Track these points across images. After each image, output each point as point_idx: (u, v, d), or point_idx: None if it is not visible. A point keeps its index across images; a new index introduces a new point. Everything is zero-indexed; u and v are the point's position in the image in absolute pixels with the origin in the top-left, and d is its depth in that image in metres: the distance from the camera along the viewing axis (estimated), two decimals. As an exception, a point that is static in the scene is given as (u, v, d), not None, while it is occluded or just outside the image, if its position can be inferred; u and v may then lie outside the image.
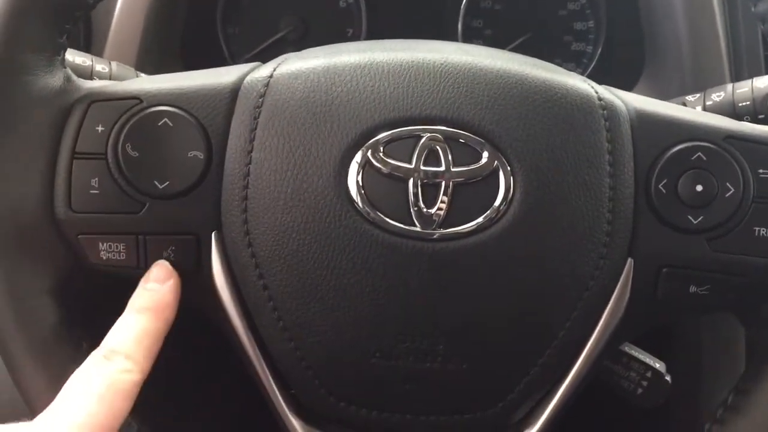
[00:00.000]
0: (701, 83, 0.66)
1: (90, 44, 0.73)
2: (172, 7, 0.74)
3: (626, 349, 0.52)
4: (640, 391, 0.51)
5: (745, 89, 0.55)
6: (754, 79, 0.56)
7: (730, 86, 0.56)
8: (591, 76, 0.80)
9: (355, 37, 0.82)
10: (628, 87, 0.77)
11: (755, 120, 0.55)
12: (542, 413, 0.45)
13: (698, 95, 0.58)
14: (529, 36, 0.82)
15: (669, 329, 0.64)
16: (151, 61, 0.71)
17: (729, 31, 0.70)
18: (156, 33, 0.72)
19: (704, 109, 0.57)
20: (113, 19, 0.70)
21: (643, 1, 0.73)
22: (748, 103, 0.55)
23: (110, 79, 0.55)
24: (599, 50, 0.82)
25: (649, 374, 0.51)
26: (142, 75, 0.58)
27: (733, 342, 0.54)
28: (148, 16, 0.71)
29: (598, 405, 0.54)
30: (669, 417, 0.59)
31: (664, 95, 0.70)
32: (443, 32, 0.83)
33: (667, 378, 0.51)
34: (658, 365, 0.52)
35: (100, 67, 0.55)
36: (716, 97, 0.56)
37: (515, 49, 0.81)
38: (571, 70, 0.81)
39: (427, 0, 0.83)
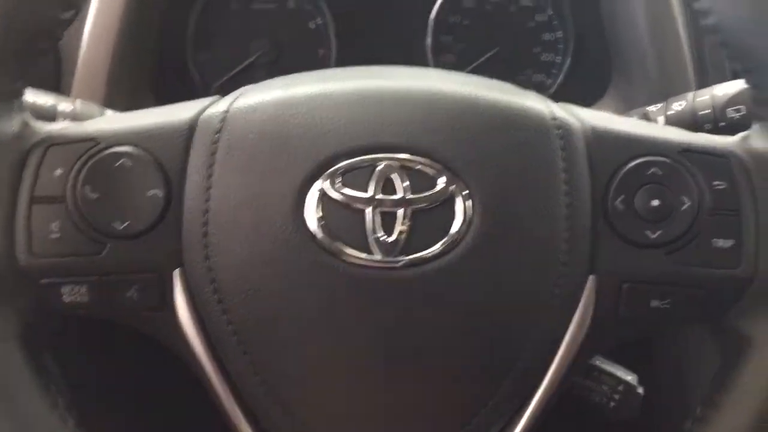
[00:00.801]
0: (667, 92, 0.66)
1: (59, 79, 0.73)
2: (140, 38, 0.74)
3: (597, 363, 0.52)
4: (612, 404, 0.52)
5: (706, 98, 0.55)
6: (714, 87, 0.56)
7: (690, 95, 0.57)
8: (561, 86, 0.82)
9: (326, 58, 0.83)
10: (598, 95, 0.78)
11: (716, 128, 0.55)
12: None
13: (660, 105, 0.58)
14: (498, 49, 0.82)
15: (648, 340, 0.64)
16: (121, 92, 0.72)
17: (693, 40, 0.71)
18: (125, 64, 0.72)
19: (666, 118, 0.57)
20: (80, 52, 0.70)
21: (606, 13, 0.74)
22: (708, 111, 0.55)
23: (74, 118, 0.55)
24: (568, 60, 0.82)
25: (620, 387, 0.51)
26: (108, 111, 0.58)
27: (711, 351, 0.54)
28: (115, 47, 0.71)
29: (574, 419, 0.54)
30: (648, 429, 0.59)
31: (632, 104, 0.70)
32: (413, 48, 0.83)
33: (639, 390, 0.52)
34: (630, 378, 0.52)
35: (63, 106, 0.55)
36: (677, 106, 0.57)
37: (485, 63, 0.82)
38: (541, 81, 0.84)
39: (396, 17, 0.84)
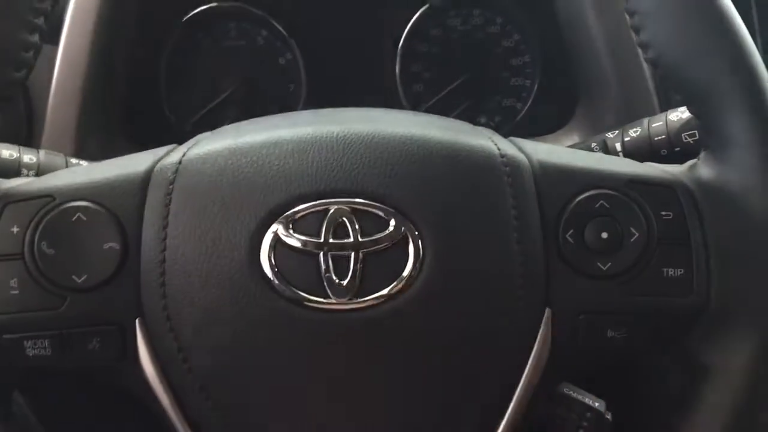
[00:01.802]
0: (632, 113, 0.67)
1: (32, 129, 0.74)
2: (109, 80, 0.75)
3: (566, 390, 0.52)
4: (581, 431, 0.52)
5: (660, 123, 0.56)
6: (668, 112, 0.57)
7: (646, 121, 0.57)
8: (531, 109, 0.83)
9: (297, 92, 0.84)
10: (567, 117, 0.79)
11: (672, 153, 0.56)
12: None
13: (617, 132, 0.59)
14: (468, 75, 0.83)
15: (618, 366, 0.64)
16: (93, 137, 0.72)
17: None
18: (95, 109, 0.73)
19: (623, 144, 0.58)
20: (49, 100, 0.71)
21: (568, 37, 0.75)
22: (663, 137, 0.56)
23: (38, 169, 0.56)
24: (537, 83, 0.83)
25: (589, 414, 0.52)
26: (73, 161, 0.59)
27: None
28: (84, 93, 0.71)
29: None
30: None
31: (600, 125, 0.71)
32: (382, 79, 0.84)
33: (608, 416, 0.52)
34: (597, 404, 0.52)
35: (27, 158, 0.56)
36: (633, 132, 0.57)
37: (455, 89, 0.83)
38: (512, 105, 0.84)
39: (364, 48, 0.85)
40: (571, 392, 0.53)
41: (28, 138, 0.73)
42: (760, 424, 0.45)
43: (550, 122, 0.79)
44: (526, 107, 0.83)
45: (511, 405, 0.45)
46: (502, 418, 0.45)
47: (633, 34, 0.46)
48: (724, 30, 0.43)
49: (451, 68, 0.84)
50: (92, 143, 0.72)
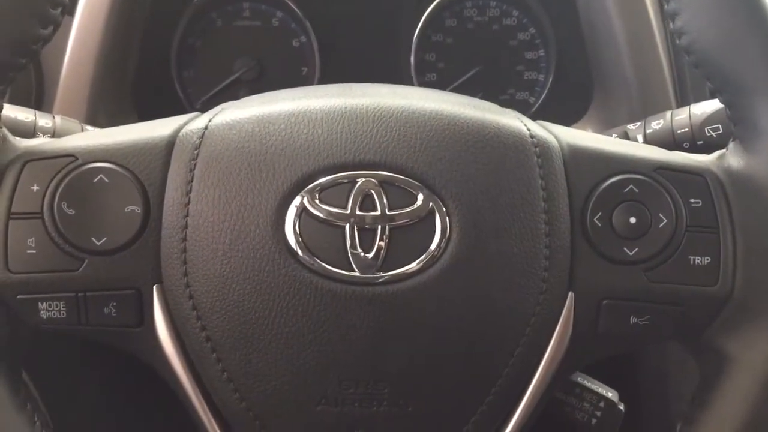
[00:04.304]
0: (648, 109, 0.67)
1: (42, 95, 0.73)
2: (123, 53, 0.74)
3: (579, 380, 0.52)
4: (594, 421, 0.51)
5: (683, 116, 0.56)
6: (692, 105, 0.57)
7: (669, 114, 0.57)
8: (544, 104, 0.83)
9: (310, 76, 0.83)
10: (580, 113, 0.79)
11: (694, 146, 0.56)
12: None
13: (639, 123, 0.59)
14: (481, 67, 0.83)
15: (630, 355, 0.64)
16: (103, 109, 0.72)
17: (672, 58, 0.72)
18: (107, 80, 0.72)
19: (645, 136, 0.58)
20: (63, 69, 0.70)
21: (587, 31, 0.75)
22: (686, 129, 0.56)
23: (54, 134, 0.55)
24: (551, 78, 0.83)
25: (602, 404, 0.51)
26: (88, 128, 0.58)
27: (693, 367, 0.54)
28: (97, 63, 0.71)
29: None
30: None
31: (614, 121, 0.71)
32: (396, 67, 0.84)
33: (621, 407, 0.51)
34: (611, 394, 0.52)
35: (43, 122, 0.55)
36: (656, 125, 0.57)
37: (468, 81, 0.83)
38: (525, 99, 0.84)
39: (380, 36, 0.84)
40: (584, 381, 0.53)
41: (38, 107, 0.72)
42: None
43: (564, 117, 0.79)
44: (540, 101, 0.83)
45: (530, 388, 0.44)
46: (520, 401, 0.44)
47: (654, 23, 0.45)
48: (759, 18, 0.43)
49: (466, 59, 0.84)
50: (102, 116, 0.71)
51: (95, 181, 0.43)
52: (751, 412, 0.44)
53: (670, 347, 0.62)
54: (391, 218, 0.42)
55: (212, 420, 0.44)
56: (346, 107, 0.44)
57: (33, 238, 0.43)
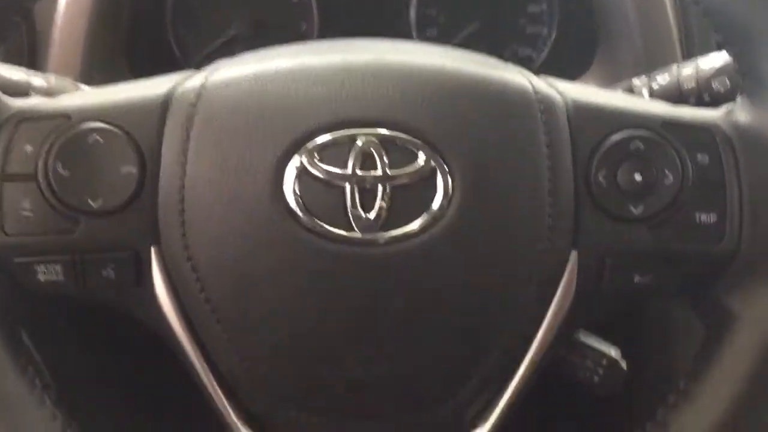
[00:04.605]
0: (653, 64, 0.65)
1: (35, 55, 0.71)
2: (117, 10, 0.73)
3: (581, 338, 0.52)
4: (596, 379, 0.51)
5: (690, 70, 0.55)
6: (699, 59, 0.55)
7: (675, 68, 0.56)
8: (547, 59, 0.82)
9: (309, 32, 0.82)
10: (584, 68, 0.77)
11: (701, 101, 0.54)
12: (496, 408, 0.45)
13: (644, 78, 0.58)
14: (483, 22, 0.81)
15: (633, 314, 0.64)
16: (97, 68, 0.70)
17: (678, 10, 0.70)
18: (101, 38, 0.71)
19: (650, 91, 0.56)
20: (55, 27, 0.69)
21: (592, -15, 0.73)
22: (693, 84, 0.54)
23: (47, 93, 0.54)
24: (554, 33, 0.81)
25: (604, 362, 0.51)
26: (83, 87, 0.57)
27: (696, 325, 0.54)
28: (91, 21, 0.69)
29: (557, 394, 0.54)
30: (634, 404, 0.60)
31: (618, 76, 0.70)
32: (396, 22, 0.82)
33: (623, 365, 0.51)
34: (614, 352, 0.52)
35: (36, 81, 0.54)
36: (662, 79, 0.56)
37: (470, 36, 0.81)
38: (528, 54, 0.82)
39: (379, -10, 0.82)
40: (586, 339, 0.52)
41: (31, 66, 0.71)
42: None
43: (567, 72, 0.77)
44: (543, 56, 0.81)
45: (532, 348, 0.44)
46: (523, 358, 0.44)
47: None
48: None
49: (467, 14, 0.82)
50: (97, 74, 0.70)
51: (90, 141, 0.42)
52: (755, 369, 0.44)
53: (673, 304, 0.62)
54: (392, 178, 0.41)
55: (213, 380, 0.44)
56: (345, 63, 0.43)
57: (28, 200, 0.42)
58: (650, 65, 0.65)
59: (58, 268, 0.43)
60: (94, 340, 0.61)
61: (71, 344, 0.60)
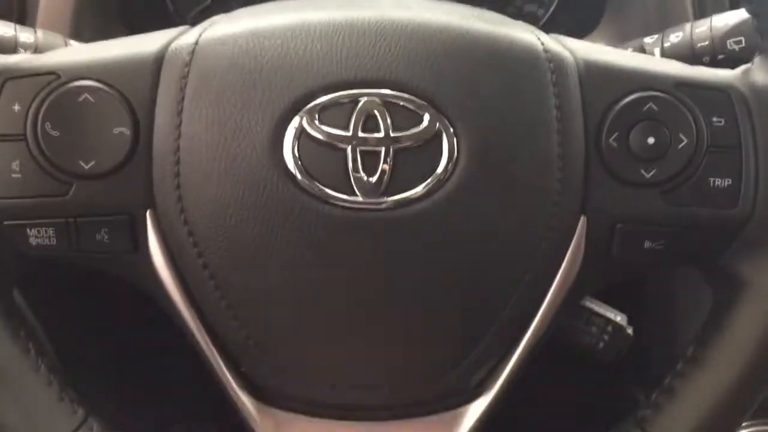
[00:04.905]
0: (664, 23, 0.63)
1: (24, 9, 0.69)
2: (108, -36, 0.70)
3: (587, 303, 0.51)
4: (601, 345, 0.51)
5: (704, 28, 0.53)
6: (713, 17, 0.54)
7: (688, 26, 0.54)
8: (553, 17, 0.79)
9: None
10: (591, 26, 0.75)
11: (715, 60, 0.53)
12: (500, 375, 0.44)
13: (657, 36, 0.56)
14: None
15: (639, 281, 0.63)
16: (88, 23, 0.68)
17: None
18: (92, -8, 0.68)
19: (662, 50, 0.55)
20: (44, -20, 0.66)
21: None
22: (706, 43, 0.53)
23: (36, 49, 0.52)
24: (562, -12, 0.79)
25: (609, 328, 0.51)
26: (73, 43, 0.55)
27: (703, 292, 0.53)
28: (81, -25, 0.67)
29: (562, 359, 0.54)
30: (638, 370, 0.59)
31: (627, 35, 0.68)
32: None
33: (629, 330, 0.51)
34: (619, 318, 0.51)
35: (24, 36, 0.52)
36: (675, 38, 0.54)
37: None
38: (533, 11, 0.80)
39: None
40: (592, 305, 0.52)
41: (20, 22, 0.68)
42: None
43: (574, 30, 0.75)
44: (549, 13, 0.79)
45: (539, 313, 0.43)
46: (529, 325, 0.43)
47: None
48: None
49: (471, -32, 0.79)
50: (87, 30, 0.68)
51: (80, 100, 0.41)
52: (765, 338, 0.43)
53: (679, 270, 0.61)
54: (396, 140, 0.40)
55: (211, 346, 0.43)
56: (346, 20, 0.41)
57: (17, 162, 0.41)
58: (661, 23, 0.64)
59: (51, 231, 0.42)
60: (91, 303, 0.60)
61: (67, 307, 0.59)
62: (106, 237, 0.42)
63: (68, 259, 0.43)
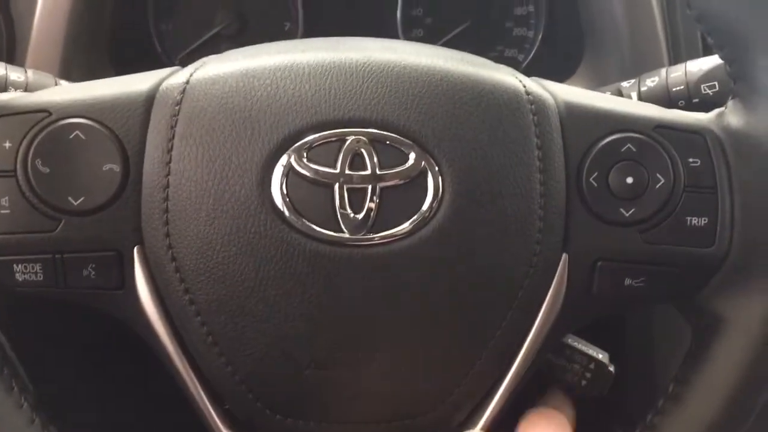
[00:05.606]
0: (640, 67, 0.65)
1: (13, 48, 0.70)
2: (98, 4, 0.71)
3: (569, 341, 0.52)
4: (584, 383, 0.51)
5: (679, 73, 0.55)
6: (687, 63, 0.55)
7: (663, 71, 0.56)
8: (533, 62, 0.81)
9: (293, 31, 0.81)
10: (570, 71, 0.77)
11: (689, 104, 0.54)
12: (483, 413, 0.45)
13: (633, 81, 0.57)
14: (469, 23, 0.81)
15: (620, 318, 0.64)
16: (78, 63, 0.69)
17: (666, 14, 0.70)
18: (82, 32, 0.69)
19: (639, 94, 0.56)
20: (34, 21, 0.67)
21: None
22: (682, 87, 0.54)
23: (26, 88, 0.52)
24: (540, 35, 0.81)
25: (592, 366, 0.51)
26: (62, 82, 0.56)
27: (682, 330, 0.54)
28: (71, 15, 0.68)
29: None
30: (617, 407, 0.59)
31: (605, 79, 0.69)
32: (382, 22, 0.81)
33: (611, 368, 0.51)
34: (601, 356, 0.51)
35: (15, 76, 0.53)
36: (650, 82, 0.56)
37: (456, 37, 0.81)
38: (513, 56, 0.82)
39: (364, -11, 0.82)
40: (575, 342, 0.52)
41: (9, 61, 0.69)
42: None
43: (553, 75, 0.77)
44: (529, 58, 0.81)
45: (522, 351, 0.44)
46: (512, 363, 0.44)
47: None
48: None
49: (453, 15, 0.81)
50: (77, 70, 0.69)
51: (71, 137, 0.41)
52: (744, 374, 0.43)
53: (658, 308, 0.62)
54: (382, 178, 0.40)
55: (197, 384, 0.43)
56: (334, 61, 0.42)
57: (7, 198, 0.41)
58: (637, 68, 0.65)
59: (38, 267, 0.42)
60: (76, 339, 0.60)
61: (51, 344, 0.58)
62: (93, 273, 0.42)
63: (54, 295, 0.43)
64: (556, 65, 0.79)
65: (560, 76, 0.77)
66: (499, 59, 0.82)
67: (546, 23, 0.80)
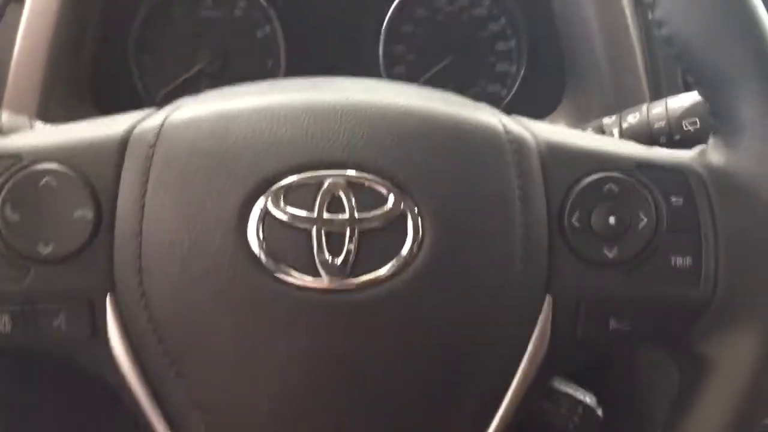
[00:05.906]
0: (622, 103, 0.65)
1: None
2: (78, 42, 0.70)
3: (556, 385, 0.51)
4: (571, 426, 0.50)
5: (660, 110, 0.55)
6: (668, 99, 0.55)
7: (644, 107, 0.56)
8: (516, 97, 0.81)
9: (275, 68, 0.80)
10: (552, 106, 0.77)
11: (671, 140, 0.54)
12: None
13: (614, 117, 0.57)
14: (452, 59, 0.81)
15: (607, 360, 0.63)
16: (57, 103, 0.68)
17: (646, 50, 0.70)
18: (61, 71, 0.68)
19: (621, 131, 0.56)
20: (12, 60, 0.67)
21: (560, 22, 0.73)
22: (663, 123, 0.54)
23: (0, 131, 0.51)
24: (522, 70, 0.81)
25: (580, 409, 0.50)
26: (38, 124, 0.55)
27: (670, 372, 0.53)
28: (50, 54, 0.67)
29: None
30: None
31: (587, 114, 0.69)
32: (365, 59, 0.81)
33: (599, 412, 0.50)
34: (589, 399, 0.50)
35: (-13, 119, 0.52)
36: (632, 118, 0.56)
37: (439, 73, 0.81)
38: (496, 91, 0.82)
39: (347, 26, 0.82)
40: (561, 386, 0.51)
41: (-14, 102, 0.68)
42: (762, 421, 0.43)
43: (535, 110, 0.77)
44: (511, 94, 0.81)
45: (507, 396, 0.43)
46: (497, 409, 0.43)
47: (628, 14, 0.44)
48: (742, 12, 0.41)
49: (435, 51, 0.81)
50: (56, 109, 0.68)
51: (42, 183, 0.40)
52: (732, 417, 0.42)
53: (646, 350, 0.61)
54: (361, 221, 0.40)
55: None
56: (311, 103, 0.42)
57: None
58: (618, 104, 0.66)
59: (6, 318, 0.40)
60: (45, 391, 0.58)
61: (19, 396, 0.57)
62: (64, 323, 0.41)
63: (23, 346, 0.41)
64: (538, 100, 0.79)
65: (543, 111, 0.77)
66: (482, 94, 0.82)
67: (528, 58, 0.81)
